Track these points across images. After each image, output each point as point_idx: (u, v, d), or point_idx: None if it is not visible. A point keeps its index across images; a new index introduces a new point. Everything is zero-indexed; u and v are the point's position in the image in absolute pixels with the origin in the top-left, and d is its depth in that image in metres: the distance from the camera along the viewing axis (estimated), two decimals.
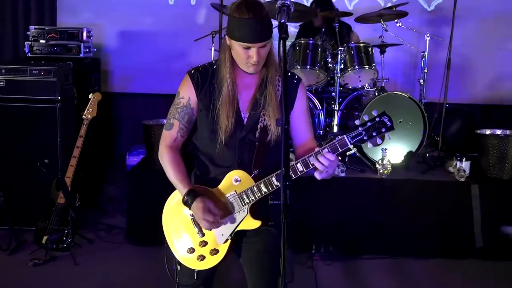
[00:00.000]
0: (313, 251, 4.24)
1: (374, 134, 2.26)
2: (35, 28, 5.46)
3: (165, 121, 2.57)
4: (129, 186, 4.69)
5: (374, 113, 2.29)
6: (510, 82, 6.44)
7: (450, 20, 4.83)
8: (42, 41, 5.38)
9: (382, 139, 2.29)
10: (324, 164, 2.24)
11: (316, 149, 2.27)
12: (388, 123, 2.27)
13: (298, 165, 2.30)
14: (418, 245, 4.41)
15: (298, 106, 2.51)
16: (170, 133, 2.53)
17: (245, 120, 2.46)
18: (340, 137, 2.28)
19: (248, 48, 2.30)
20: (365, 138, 2.27)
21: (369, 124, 2.27)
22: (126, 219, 4.67)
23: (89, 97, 4.35)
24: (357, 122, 2.29)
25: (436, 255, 4.36)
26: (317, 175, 2.29)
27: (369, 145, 2.31)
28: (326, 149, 2.25)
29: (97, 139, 5.35)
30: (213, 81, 2.45)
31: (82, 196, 4.31)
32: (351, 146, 2.30)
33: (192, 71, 2.51)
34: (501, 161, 4.45)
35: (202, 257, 2.46)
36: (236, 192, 2.41)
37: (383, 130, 2.26)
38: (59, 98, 4.63)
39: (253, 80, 2.48)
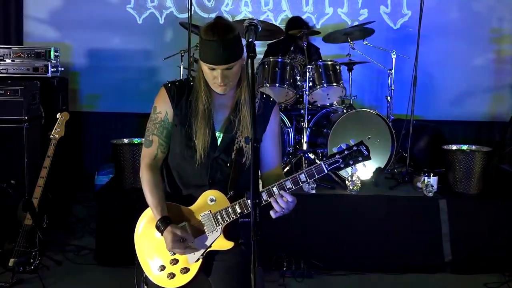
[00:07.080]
0: (284, 269, 4.23)
1: (350, 162, 2.31)
2: (1, 48, 5.39)
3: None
4: (98, 206, 4.62)
5: (352, 142, 2.34)
6: (474, 98, 6.58)
7: (416, 38, 4.93)
8: (9, 61, 5.31)
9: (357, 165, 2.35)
10: (281, 205, 2.29)
11: (281, 181, 2.31)
12: (365, 152, 2.31)
13: (263, 193, 2.32)
14: (388, 260, 4.43)
15: (270, 128, 2.53)
16: (150, 151, 2.51)
17: (219, 141, 2.47)
18: (318, 163, 2.32)
19: (213, 69, 2.32)
20: (341, 166, 2.31)
21: (346, 152, 2.31)
22: (95, 240, 4.60)
23: (57, 116, 4.30)
24: (335, 149, 2.33)
25: (406, 271, 4.38)
26: (272, 214, 2.31)
27: (345, 172, 2.36)
28: (284, 191, 2.30)
29: (65, 159, 5.28)
30: (190, 98, 2.46)
31: (50, 217, 4.23)
32: (328, 172, 2.33)
33: (169, 84, 2.51)
34: (468, 176, 4.52)
35: (172, 275, 2.44)
36: (211, 212, 2.41)
37: (359, 159, 2.32)
38: (26, 118, 4.58)
39: (227, 101, 2.49)
